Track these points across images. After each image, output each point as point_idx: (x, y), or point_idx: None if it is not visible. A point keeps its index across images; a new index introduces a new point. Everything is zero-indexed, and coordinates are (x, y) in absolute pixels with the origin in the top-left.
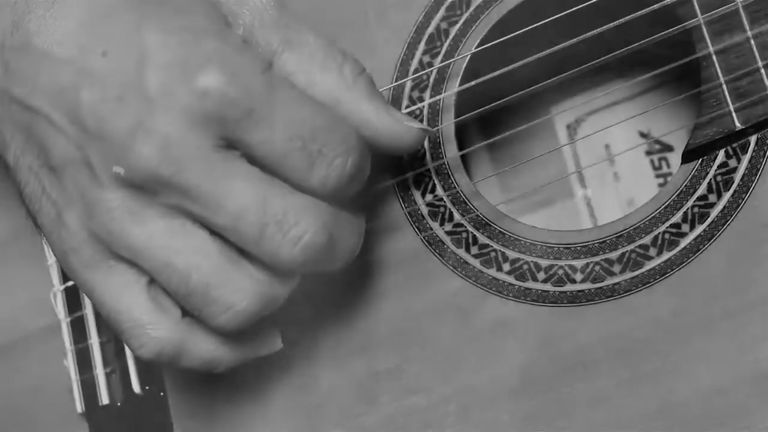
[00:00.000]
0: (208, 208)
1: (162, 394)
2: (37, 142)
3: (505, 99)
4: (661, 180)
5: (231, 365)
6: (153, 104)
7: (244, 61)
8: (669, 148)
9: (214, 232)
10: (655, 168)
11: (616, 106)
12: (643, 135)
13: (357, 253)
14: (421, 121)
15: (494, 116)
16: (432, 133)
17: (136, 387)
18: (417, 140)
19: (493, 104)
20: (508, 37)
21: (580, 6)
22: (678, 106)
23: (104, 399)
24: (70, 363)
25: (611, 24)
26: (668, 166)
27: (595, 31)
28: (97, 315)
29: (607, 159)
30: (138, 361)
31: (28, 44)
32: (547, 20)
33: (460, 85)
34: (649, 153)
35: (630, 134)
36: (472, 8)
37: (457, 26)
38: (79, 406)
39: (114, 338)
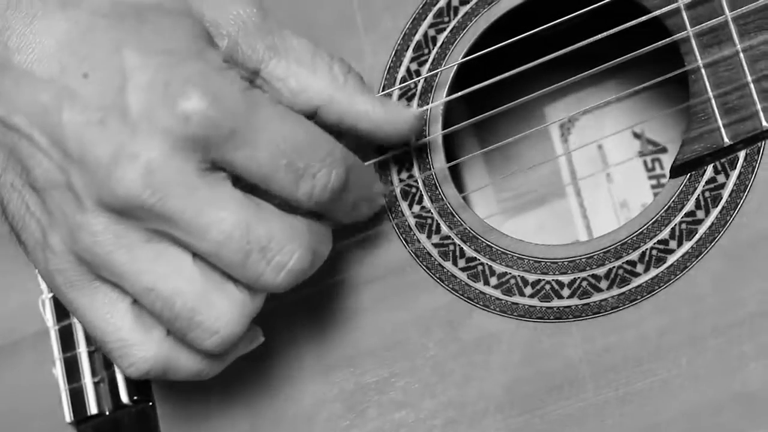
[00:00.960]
0: (192, 235)
1: (150, 404)
2: (20, 161)
3: (497, 109)
4: (654, 181)
5: (218, 371)
6: (135, 129)
7: (225, 82)
8: (662, 150)
9: (198, 255)
10: (648, 169)
11: (609, 106)
12: (636, 136)
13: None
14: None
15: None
16: (423, 114)
17: (124, 397)
18: (415, 125)
19: (485, 114)
20: (496, 47)
21: (569, 16)
22: (672, 107)
23: (92, 409)
24: (59, 372)
25: (598, 36)
26: (661, 167)
27: (582, 43)
28: None
29: (600, 163)
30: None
31: (9, 61)
32: (535, 30)
33: (447, 94)
34: (642, 154)
35: (623, 134)
36: (459, 15)
37: (445, 33)
38: (68, 416)
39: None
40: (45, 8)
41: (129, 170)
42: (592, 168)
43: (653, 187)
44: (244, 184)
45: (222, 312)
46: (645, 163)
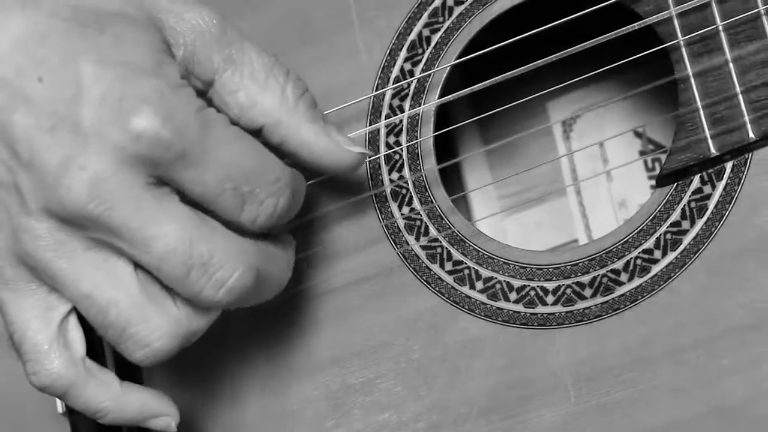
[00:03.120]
0: (135, 247)
1: None
2: None
3: (499, 107)
4: (653, 181)
5: (115, 423)
6: (86, 140)
7: (179, 102)
8: (663, 150)
9: (140, 267)
10: (648, 169)
11: (611, 105)
12: (638, 134)
13: (285, 284)
14: (400, 131)
15: (490, 110)
16: (369, 155)
17: None
18: (355, 163)
19: (486, 114)
20: (490, 49)
21: (562, 20)
22: (674, 107)
23: None
24: None
25: (591, 42)
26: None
27: (576, 48)
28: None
29: (601, 162)
30: (116, 361)
31: None
32: (529, 33)
33: (440, 96)
34: (642, 153)
35: (625, 134)
36: (454, 16)
37: (439, 34)
38: (60, 406)
39: (93, 339)
40: (2, 5)
41: (77, 180)
42: (593, 166)
43: (653, 187)
44: (190, 202)
45: (156, 326)
46: (645, 163)
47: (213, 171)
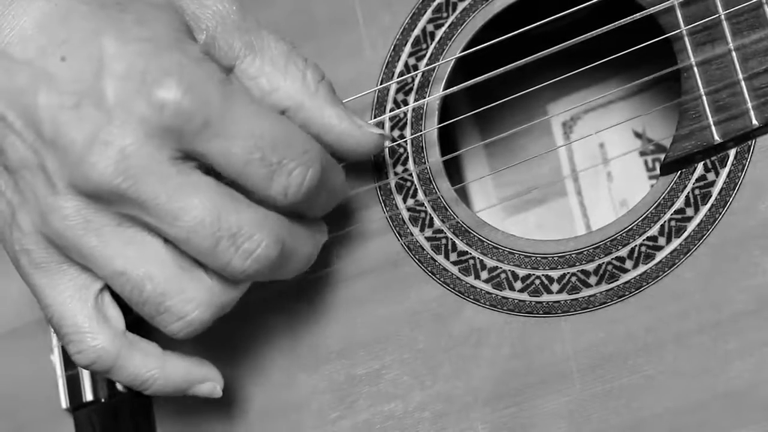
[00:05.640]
0: (163, 221)
1: None
2: None
3: (497, 102)
4: (654, 181)
5: (161, 392)
6: (110, 115)
7: (201, 73)
8: (663, 149)
9: (169, 241)
10: (648, 169)
11: (612, 105)
12: (638, 135)
13: (312, 263)
14: (404, 125)
15: (490, 112)
16: (389, 138)
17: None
18: (377, 145)
19: (486, 107)
20: (492, 42)
21: (564, 13)
22: (674, 106)
23: (88, 395)
24: (56, 358)
25: (593, 32)
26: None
27: (577, 39)
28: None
29: (601, 160)
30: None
31: None
32: (532, 25)
33: (444, 89)
34: (643, 153)
35: (625, 134)
36: (458, 11)
37: (443, 29)
38: (64, 402)
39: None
40: None
41: (102, 156)
42: (593, 166)
43: (653, 186)
44: (218, 178)
45: (191, 297)
46: (645, 162)
47: (239, 140)
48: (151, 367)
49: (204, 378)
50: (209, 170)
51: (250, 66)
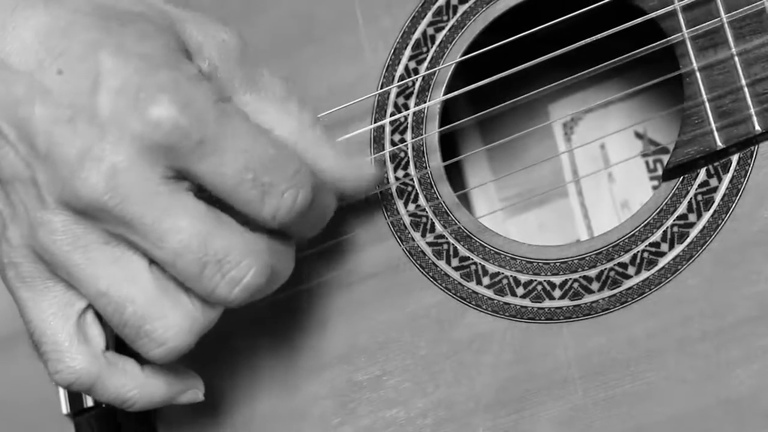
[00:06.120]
0: (150, 241)
1: None
2: None
3: (499, 106)
4: (655, 182)
5: (144, 409)
6: (103, 130)
7: (197, 92)
8: (665, 150)
9: (155, 263)
10: (649, 170)
11: (613, 105)
12: (639, 136)
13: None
14: (405, 129)
15: (491, 113)
16: (382, 178)
17: None
18: (372, 183)
19: (487, 111)
20: (494, 46)
21: (565, 17)
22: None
23: (89, 401)
24: None
25: (595, 37)
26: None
27: (579, 44)
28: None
29: (603, 163)
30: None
31: None
32: (533, 29)
33: (445, 93)
34: (644, 154)
35: (626, 134)
36: (458, 14)
37: (444, 32)
38: (65, 407)
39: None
40: (27, 1)
41: (93, 172)
42: (594, 168)
43: (654, 188)
44: (211, 198)
45: (172, 323)
46: (647, 163)
47: (232, 160)
48: (131, 387)
49: (185, 388)
50: (200, 191)
51: (249, 102)
